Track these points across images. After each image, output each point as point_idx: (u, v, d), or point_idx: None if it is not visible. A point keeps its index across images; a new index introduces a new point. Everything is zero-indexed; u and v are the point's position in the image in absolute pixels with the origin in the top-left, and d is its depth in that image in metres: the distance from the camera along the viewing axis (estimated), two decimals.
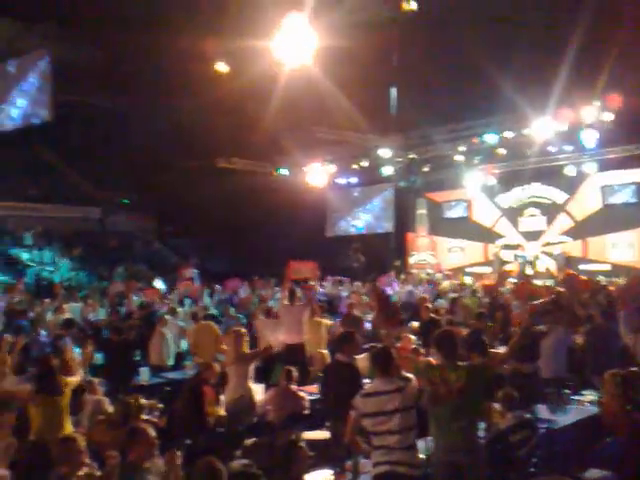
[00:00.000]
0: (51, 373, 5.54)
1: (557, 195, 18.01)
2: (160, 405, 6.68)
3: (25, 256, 19.74)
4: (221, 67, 14.84)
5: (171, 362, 9.50)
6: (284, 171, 21.05)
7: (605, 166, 16.57)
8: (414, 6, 11.22)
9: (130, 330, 9.36)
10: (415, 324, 9.91)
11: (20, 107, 16.33)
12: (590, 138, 14.77)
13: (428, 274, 19.21)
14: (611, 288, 11.61)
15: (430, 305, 10.84)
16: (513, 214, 18.83)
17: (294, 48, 10.00)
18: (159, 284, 13.14)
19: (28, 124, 16.10)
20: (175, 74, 16.03)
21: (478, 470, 4.41)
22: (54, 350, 7.81)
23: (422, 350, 7.59)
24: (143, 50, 15.65)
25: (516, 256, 18.21)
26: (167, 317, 10.15)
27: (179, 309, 11.60)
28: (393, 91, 16.34)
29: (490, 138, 16.55)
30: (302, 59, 10.37)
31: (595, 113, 14.09)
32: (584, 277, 14.51)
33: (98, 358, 8.29)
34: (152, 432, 4.18)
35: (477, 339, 7.83)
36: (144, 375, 8.41)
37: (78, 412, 6.08)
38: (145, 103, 20.08)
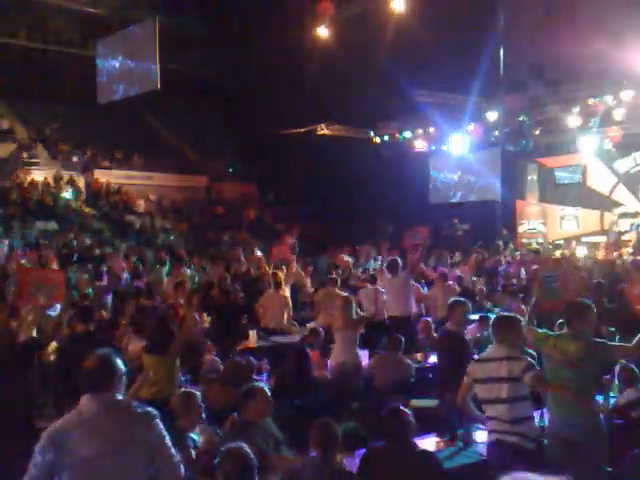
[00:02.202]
0: (163, 334, 5.79)
1: None
2: (268, 367, 6.86)
3: (138, 223, 20.74)
4: (321, 31, 14.76)
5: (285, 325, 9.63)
6: (385, 137, 20.76)
7: None
8: None
9: (238, 293, 9.59)
10: None
11: (130, 75, 16.91)
12: None
13: (539, 244, 18.50)
14: None
15: None
16: (632, 180, 17.63)
17: None
18: (257, 252, 13.38)
19: (138, 93, 16.63)
20: (282, 42, 16.09)
21: (593, 446, 4.21)
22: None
23: None
24: (249, 21, 15.84)
25: (633, 225, 17.12)
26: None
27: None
28: (501, 51, 15.64)
29: (607, 99, 15.50)
30: None
31: None
32: None
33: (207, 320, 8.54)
34: (267, 391, 4.33)
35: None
36: (252, 338, 8.61)
37: (195, 371, 6.33)
38: (249, 72, 20.40)
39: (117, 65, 17.42)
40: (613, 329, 7.60)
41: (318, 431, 3.78)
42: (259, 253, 12.91)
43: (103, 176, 22.48)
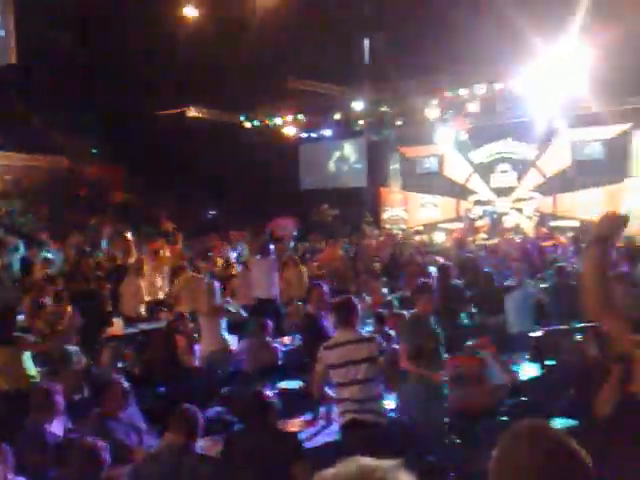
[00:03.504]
0: (8, 325, 5.61)
1: (528, 151, 18.15)
2: (133, 354, 6.75)
3: None
4: (190, 12, 14.46)
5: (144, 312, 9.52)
6: (255, 122, 20.79)
7: (575, 122, 16.69)
8: None
9: (99, 280, 9.32)
10: None
11: None
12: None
13: (402, 230, 19.40)
14: None
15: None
16: (485, 170, 18.94)
17: None
18: (130, 235, 12.96)
19: None
20: (145, 19, 15.53)
21: None
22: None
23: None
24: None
25: (485, 212, 18.43)
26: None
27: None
28: (366, 42, 16.14)
29: (461, 92, 16.52)
30: None
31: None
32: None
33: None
34: (124, 385, 4.29)
35: None
36: (117, 326, 8.42)
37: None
38: (114, 49, 19.51)
39: None
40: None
41: (177, 417, 3.78)
42: (129, 236, 12.53)
43: None
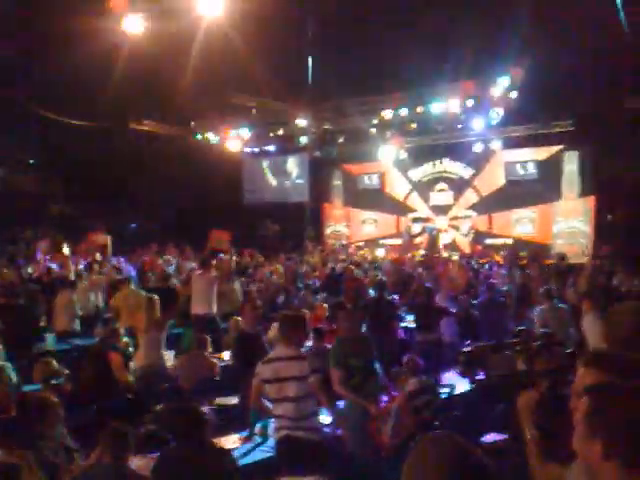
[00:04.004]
0: None
1: (464, 171, 18.69)
2: (65, 371, 6.58)
3: None
4: (134, 26, 14.33)
5: (78, 328, 9.31)
6: (199, 136, 20.71)
7: (509, 144, 17.32)
8: None
9: (30, 294, 9.07)
10: None
11: None
12: (495, 115, 15.49)
13: (343, 245, 19.61)
14: None
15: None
16: (424, 188, 19.39)
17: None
18: (66, 249, 12.67)
19: None
20: (88, 32, 15.28)
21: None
22: None
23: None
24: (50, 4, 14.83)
25: (424, 228, 18.84)
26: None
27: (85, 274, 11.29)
28: (309, 61, 16.35)
29: (401, 112, 16.94)
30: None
31: (501, 90, 14.71)
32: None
33: None
34: (54, 401, 4.19)
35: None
36: (49, 341, 8.20)
37: None
38: (51, 57, 19.10)
39: None
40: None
41: (107, 436, 3.72)
42: (66, 251, 12.26)
43: None
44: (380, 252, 18.45)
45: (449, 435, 1.48)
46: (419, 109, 16.70)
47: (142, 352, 6.90)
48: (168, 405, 6.07)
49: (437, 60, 13.70)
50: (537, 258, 12.97)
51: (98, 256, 12.37)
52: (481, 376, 6.25)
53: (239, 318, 8.67)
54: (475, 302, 8.96)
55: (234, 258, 13.28)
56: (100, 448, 3.71)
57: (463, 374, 6.52)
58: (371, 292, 9.66)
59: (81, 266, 11.62)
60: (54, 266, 11.44)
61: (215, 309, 9.19)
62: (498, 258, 15.00)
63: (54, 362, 5.64)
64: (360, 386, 4.97)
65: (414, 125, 17.36)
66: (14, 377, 5.92)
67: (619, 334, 2.62)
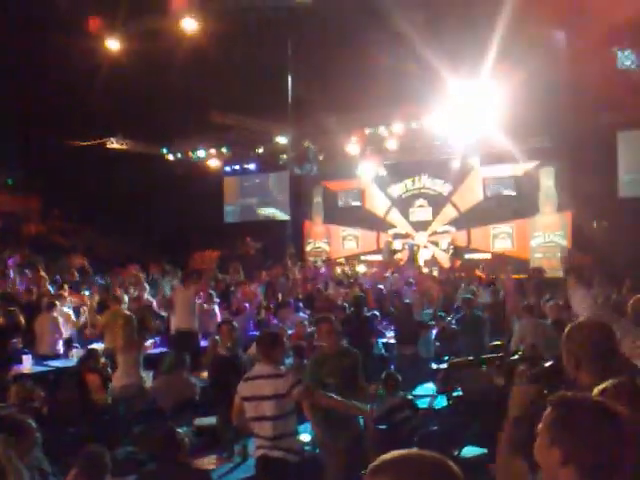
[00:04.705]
0: None
1: (443, 187, 18.89)
2: (42, 393, 6.51)
3: None
4: (112, 44, 14.40)
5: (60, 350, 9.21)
6: (179, 155, 20.72)
7: (487, 160, 17.52)
8: None
9: (7, 315, 8.96)
10: None
11: None
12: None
13: (323, 261, 19.64)
14: None
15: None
16: (403, 204, 19.53)
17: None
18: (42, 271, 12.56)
19: None
20: (67, 50, 15.28)
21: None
22: None
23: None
24: (30, 25, 14.85)
25: (404, 244, 18.95)
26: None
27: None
28: (289, 79, 16.49)
29: (380, 130, 17.07)
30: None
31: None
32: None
33: None
34: (31, 425, 4.12)
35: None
36: (27, 363, 8.11)
37: None
38: (33, 79, 19.08)
39: None
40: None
41: (84, 459, 3.70)
42: (42, 272, 12.16)
43: None
44: (361, 268, 18.51)
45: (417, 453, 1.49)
46: (398, 127, 16.90)
47: (120, 372, 6.88)
48: (146, 426, 6.05)
49: (417, 79, 13.86)
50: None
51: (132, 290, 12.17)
52: (459, 392, 6.28)
53: (217, 337, 8.68)
54: (451, 317, 9.05)
55: (218, 277, 13.29)
56: (76, 471, 3.68)
57: (440, 391, 6.55)
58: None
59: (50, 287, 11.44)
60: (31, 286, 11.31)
61: (197, 325, 9.20)
62: (479, 273, 15.09)
63: (29, 384, 5.58)
64: None
65: (393, 142, 17.52)
66: None
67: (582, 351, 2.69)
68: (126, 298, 10.74)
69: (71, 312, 10.09)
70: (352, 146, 17.91)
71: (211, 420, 6.35)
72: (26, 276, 12.24)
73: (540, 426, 1.72)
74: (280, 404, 4.26)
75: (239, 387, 4.49)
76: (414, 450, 1.50)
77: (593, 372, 2.59)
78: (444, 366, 6.65)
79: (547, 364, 2.75)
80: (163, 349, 9.01)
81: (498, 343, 6.19)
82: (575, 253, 14.95)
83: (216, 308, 10.52)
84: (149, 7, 13.61)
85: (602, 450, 1.61)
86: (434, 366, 7.12)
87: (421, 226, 19.17)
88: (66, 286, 11.16)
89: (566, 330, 2.79)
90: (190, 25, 13.45)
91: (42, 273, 11.91)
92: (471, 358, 5.88)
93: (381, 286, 12.96)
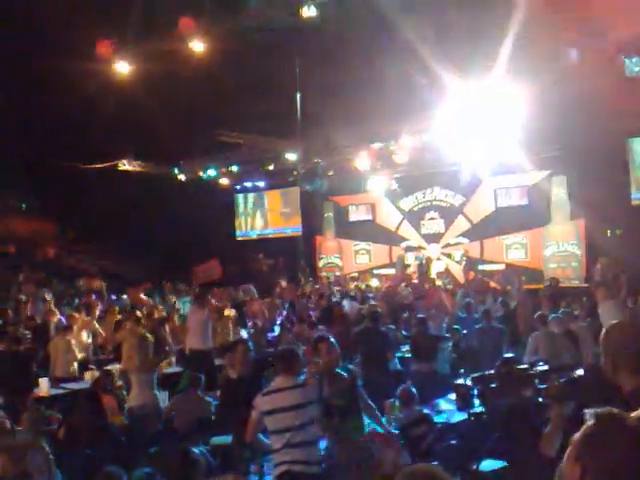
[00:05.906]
0: None
1: (454, 198, 18.83)
2: (58, 416, 6.53)
3: None
4: (121, 67, 14.55)
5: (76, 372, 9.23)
6: (189, 174, 20.84)
7: (497, 170, 17.45)
8: (314, 12, 11.28)
9: (27, 340, 9.03)
10: None
11: None
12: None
13: (336, 276, 19.63)
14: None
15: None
16: (415, 217, 19.51)
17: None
18: (48, 295, 12.71)
19: None
20: (75, 72, 15.47)
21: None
22: None
23: None
24: (41, 51, 15.05)
25: (416, 258, 18.89)
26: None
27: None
28: (297, 96, 16.57)
29: (390, 143, 17.10)
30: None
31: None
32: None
33: None
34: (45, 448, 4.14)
35: None
36: (44, 386, 8.13)
37: None
38: (44, 102, 19.32)
39: None
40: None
41: None
42: (48, 297, 12.27)
43: None
44: (374, 282, 18.47)
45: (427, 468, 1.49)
46: (408, 140, 16.86)
47: (134, 393, 6.86)
48: (162, 447, 6.03)
49: (427, 92, 13.88)
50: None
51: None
52: (481, 408, 6.19)
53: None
54: (465, 332, 8.96)
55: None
56: None
57: (460, 408, 6.45)
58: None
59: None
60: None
61: (211, 344, 9.20)
62: (494, 285, 14.94)
63: (42, 408, 5.59)
64: (337, 427, 4.68)
65: (404, 156, 17.47)
66: (8, 424, 5.86)
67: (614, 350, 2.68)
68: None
69: (84, 334, 10.12)
70: (361, 161, 17.93)
71: (227, 439, 6.31)
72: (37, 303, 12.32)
73: (572, 439, 1.69)
74: (303, 413, 4.35)
75: (258, 402, 4.50)
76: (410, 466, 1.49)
77: (631, 371, 2.62)
78: (466, 381, 6.55)
79: (577, 374, 2.75)
80: (178, 369, 9.01)
81: (511, 355, 6.10)
82: (611, 264, 14.75)
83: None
84: (157, 30, 13.77)
85: (620, 474, 1.56)
86: (456, 381, 7.03)
87: (433, 238, 19.12)
88: (82, 309, 11.18)
89: (602, 333, 2.82)
90: (198, 47, 13.57)
91: (48, 299, 12.01)
92: (490, 373, 5.84)
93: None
